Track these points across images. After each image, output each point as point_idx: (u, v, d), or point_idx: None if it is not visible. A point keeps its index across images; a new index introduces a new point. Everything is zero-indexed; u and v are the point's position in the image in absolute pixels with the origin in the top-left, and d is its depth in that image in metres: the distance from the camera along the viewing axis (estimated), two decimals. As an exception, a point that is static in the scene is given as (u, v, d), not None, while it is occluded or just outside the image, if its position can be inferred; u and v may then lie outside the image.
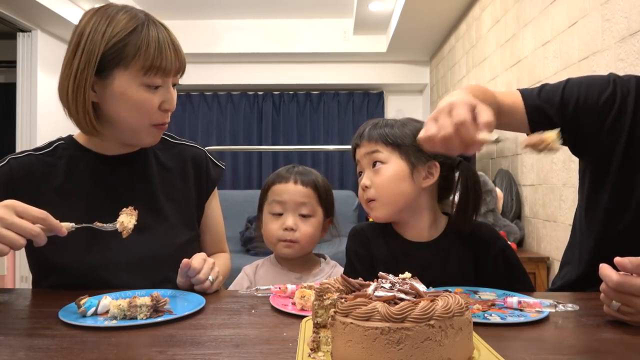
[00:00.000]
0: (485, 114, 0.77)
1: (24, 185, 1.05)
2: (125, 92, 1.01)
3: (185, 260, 0.99)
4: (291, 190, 1.25)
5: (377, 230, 1.12)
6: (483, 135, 0.76)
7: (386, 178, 1.06)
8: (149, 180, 1.14)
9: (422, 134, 0.81)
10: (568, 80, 1.03)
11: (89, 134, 1.07)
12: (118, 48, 0.99)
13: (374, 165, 1.08)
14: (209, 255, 1.07)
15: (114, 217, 1.04)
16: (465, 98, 0.80)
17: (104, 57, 1.00)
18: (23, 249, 0.91)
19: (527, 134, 1.03)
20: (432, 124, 0.80)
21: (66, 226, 0.89)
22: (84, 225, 0.93)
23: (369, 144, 1.09)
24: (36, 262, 1.09)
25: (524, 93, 1.03)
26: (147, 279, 1.04)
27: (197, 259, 1.00)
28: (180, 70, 1.06)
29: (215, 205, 1.26)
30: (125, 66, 1.00)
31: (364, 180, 1.10)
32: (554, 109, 0.99)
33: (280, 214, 1.24)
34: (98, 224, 0.95)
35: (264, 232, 1.27)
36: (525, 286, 1.05)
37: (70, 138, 1.14)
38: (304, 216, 1.25)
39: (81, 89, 1.00)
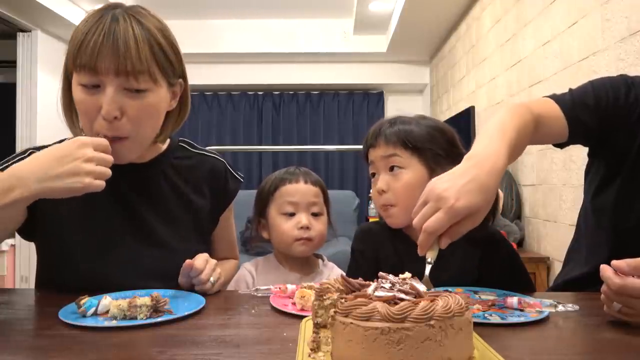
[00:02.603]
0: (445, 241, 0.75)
1: None
2: (73, 91, 0.96)
3: (188, 261, 0.99)
4: (302, 189, 1.25)
5: (384, 230, 1.11)
6: (429, 253, 0.76)
7: (405, 184, 1.03)
8: (162, 191, 1.10)
9: (416, 217, 0.77)
10: (592, 84, 1.03)
11: (74, 134, 1.03)
12: (70, 44, 0.95)
13: (391, 169, 1.05)
14: (219, 260, 1.06)
15: (127, 224, 1.04)
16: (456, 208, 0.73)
17: (69, 55, 0.95)
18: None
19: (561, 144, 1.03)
20: (420, 207, 0.76)
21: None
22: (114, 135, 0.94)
23: (386, 146, 1.05)
24: (45, 265, 1.08)
25: (558, 101, 1.00)
26: (156, 288, 1.00)
27: (200, 260, 1.00)
28: (121, 70, 0.90)
29: (229, 216, 1.25)
30: (70, 63, 0.94)
31: (380, 184, 1.05)
32: (588, 114, 0.99)
33: (292, 214, 1.25)
34: None
35: (276, 233, 1.26)
36: (528, 287, 1.05)
37: None
38: (314, 214, 1.26)
39: (62, 87, 1.00)
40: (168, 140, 1.15)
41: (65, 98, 1.01)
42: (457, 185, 0.74)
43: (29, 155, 1.01)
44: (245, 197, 1.37)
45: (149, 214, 1.07)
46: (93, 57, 0.89)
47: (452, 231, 0.74)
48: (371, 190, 1.13)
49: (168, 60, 0.97)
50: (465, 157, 0.81)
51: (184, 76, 1.04)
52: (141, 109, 0.94)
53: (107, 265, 1.02)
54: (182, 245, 1.08)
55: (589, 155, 1.11)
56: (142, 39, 0.92)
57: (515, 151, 0.87)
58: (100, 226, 1.04)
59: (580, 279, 1.10)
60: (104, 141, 0.89)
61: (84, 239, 1.03)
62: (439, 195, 0.73)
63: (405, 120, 1.07)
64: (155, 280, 1.01)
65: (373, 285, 0.62)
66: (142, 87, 0.93)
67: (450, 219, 0.72)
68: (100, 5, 0.98)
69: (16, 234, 1.07)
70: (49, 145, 1.05)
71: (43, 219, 1.03)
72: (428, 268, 0.75)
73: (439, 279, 0.99)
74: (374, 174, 1.09)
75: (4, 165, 1.00)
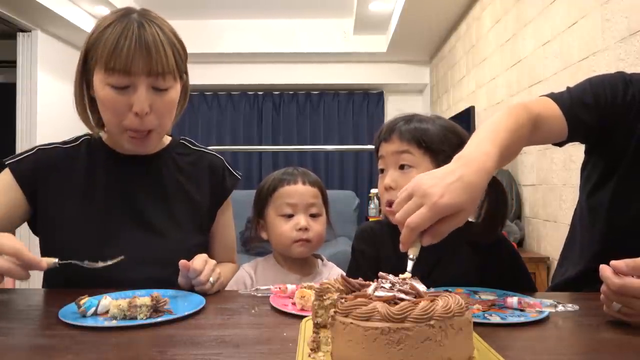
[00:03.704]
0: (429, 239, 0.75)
1: (46, 176, 1.10)
2: (97, 91, 1.02)
3: (184, 262, 0.99)
4: (301, 191, 1.25)
5: (385, 229, 1.11)
6: (411, 250, 0.75)
7: None
8: (163, 182, 1.16)
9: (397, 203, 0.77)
10: (590, 82, 1.02)
11: (89, 129, 1.12)
12: (93, 46, 1.01)
13: (401, 167, 1.03)
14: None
15: (127, 214, 1.10)
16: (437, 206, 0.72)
17: (88, 56, 1.04)
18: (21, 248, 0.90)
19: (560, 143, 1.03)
20: (404, 201, 0.76)
21: (47, 261, 0.89)
22: (68, 261, 0.93)
23: (400, 142, 1.03)
24: (49, 254, 1.10)
25: (557, 100, 1.00)
26: (154, 278, 1.03)
27: (198, 261, 1.00)
28: (153, 71, 1.00)
29: (227, 215, 1.28)
30: (95, 64, 1.01)
31: (388, 180, 1.04)
32: (587, 112, 0.98)
33: (291, 215, 1.24)
34: (87, 263, 0.96)
35: (275, 235, 1.25)
36: (529, 288, 1.05)
37: (96, 134, 1.17)
38: (313, 216, 1.25)
39: (77, 85, 1.07)
40: (170, 138, 1.22)
41: (79, 97, 1.08)
42: (443, 183, 0.73)
43: (34, 152, 1.11)
44: (245, 197, 1.37)
45: (150, 204, 1.13)
46: (128, 60, 0.98)
47: (435, 230, 0.74)
48: (378, 186, 1.11)
49: (182, 59, 1.07)
50: (455, 157, 0.80)
51: (186, 71, 1.13)
52: (165, 104, 1.05)
53: (108, 254, 1.03)
54: (181, 236, 1.12)
55: (585, 152, 1.11)
56: (167, 43, 1.02)
57: (507, 152, 0.86)
58: (101, 216, 1.09)
59: (575, 278, 1.10)
60: (14, 249, 0.85)
61: (84, 229, 1.07)
62: (425, 192, 0.73)
63: (422, 118, 1.06)
64: (152, 271, 1.05)
65: (373, 285, 0.62)
66: (167, 85, 1.03)
67: (434, 215, 0.72)
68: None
69: (16, 232, 1.10)
70: (58, 143, 1.15)
71: (45, 213, 1.09)
72: (410, 264, 0.74)
73: (442, 280, 0.99)
74: (382, 170, 1.08)
75: (12, 160, 1.09)
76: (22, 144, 4.07)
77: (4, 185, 1.08)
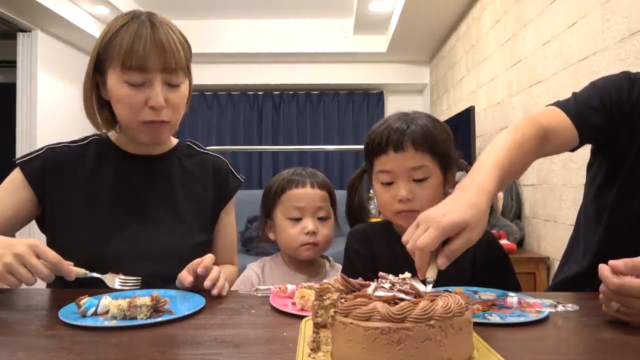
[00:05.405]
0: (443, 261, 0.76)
1: (55, 175, 1.12)
2: (113, 90, 1.07)
3: (196, 260, 0.99)
4: (309, 194, 1.24)
5: (377, 230, 1.11)
6: (429, 272, 0.76)
7: (432, 192, 1.02)
8: (169, 181, 1.19)
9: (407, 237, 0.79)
10: (594, 85, 1.03)
11: (97, 128, 1.18)
12: (107, 47, 1.06)
13: (417, 180, 1.02)
14: (216, 264, 1.07)
15: (133, 212, 1.13)
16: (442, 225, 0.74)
17: (101, 57, 1.08)
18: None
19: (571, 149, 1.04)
20: (412, 231, 0.79)
21: (77, 272, 0.92)
22: (95, 275, 0.96)
23: (415, 153, 1.02)
24: (56, 251, 1.12)
25: (564, 108, 1.00)
26: (158, 274, 1.05)
27: (208, 259, 1.00)
28: (167, 68, 1.05)
29: (230, 216, 1.30)
30: (110, 64, 1.06)
31: (404, 192, 1.02)
32: (595, 115, 0.99)
33: (299, 219, 1.24)
34: (107, 277, 0.98)
35: (282, 237, 1.25)
36: (516, 289, 1.05)
37: (104, 134, 1.21)
38: (321, 219, 1.25)
39: (86, 86, 1.11)
40: (176, 140, 1.27)
41: (89, 98, 1.12)
42: (446, 206, 0.78)
43: (44, 151, 1.14)
44: (245, 197, 1.37)
45: (156, 202, 1.16)
46: (144, 58, 1.03)
47: (446, 250, 0.76)
48: (380, 194, 1.08)
49: (188, 57, 1.13)
50: (456, 186, 0.85)
51: (190, 70, 1.18)
52: (178, 98, 1.10)
53: (113, 251, 1.08)
54: (185, 234, 1.15)
55: (592, 152, 1.12)
56: (177, 41, 1.08)
57: (510, 170, 0.89)
58: (108, 213, 1.12)
59: (577, 276, 1.10)
60: (58, 258, 0.89)
61: (91, 226, 1.10)
62: (428, 217, 0.77)
63: (416, 116, 1.06)
64: (156, 267, 1.07)
65: (373, 285, 0.62)
66: (179, 81, 1.09)
67: (440, 234, 0.74)
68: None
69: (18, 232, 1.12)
70: (67, 142, 1.18)
71: (53, 211, 1.11)
72: (429, 287, 0.74)
73: (438, 280, 0.99)
74: (388, 183, 1.05)
75: (23, 160, 1.12)
76: (22, 144, 4.07)
77: (14, 184, 1.10)
